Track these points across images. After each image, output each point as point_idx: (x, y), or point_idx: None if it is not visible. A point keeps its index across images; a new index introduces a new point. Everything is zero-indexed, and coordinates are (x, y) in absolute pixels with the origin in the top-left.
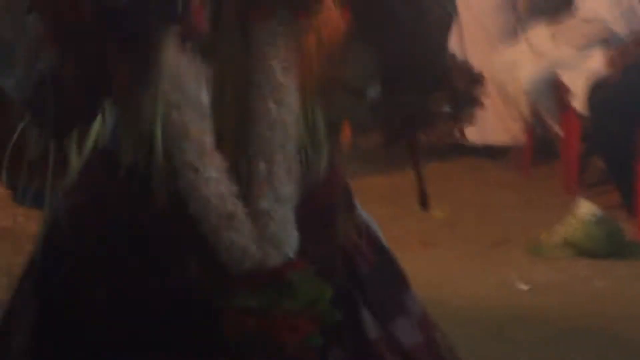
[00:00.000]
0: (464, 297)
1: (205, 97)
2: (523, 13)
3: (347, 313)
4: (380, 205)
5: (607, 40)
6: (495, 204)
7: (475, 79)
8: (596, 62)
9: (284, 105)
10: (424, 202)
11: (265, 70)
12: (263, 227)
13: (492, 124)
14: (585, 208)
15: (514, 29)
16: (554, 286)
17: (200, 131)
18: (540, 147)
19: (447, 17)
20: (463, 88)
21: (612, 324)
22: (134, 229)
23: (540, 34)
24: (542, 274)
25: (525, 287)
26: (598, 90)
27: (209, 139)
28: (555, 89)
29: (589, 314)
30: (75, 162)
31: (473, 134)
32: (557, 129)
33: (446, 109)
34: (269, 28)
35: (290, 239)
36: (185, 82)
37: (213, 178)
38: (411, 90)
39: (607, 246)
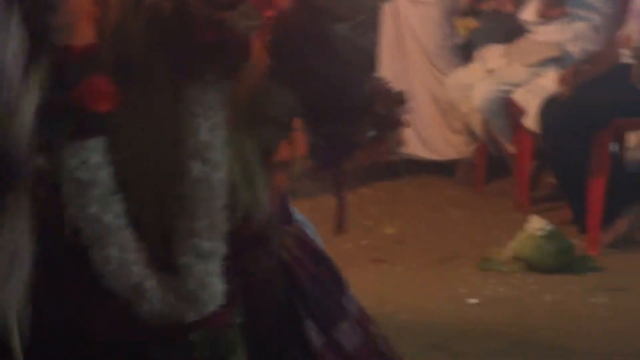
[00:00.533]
0: (414, 311)
1: (109, 178)
2: (474, 35)
3: (290, 325)
4: (331, 223)
5: (560, 59)
6: (446, 221)
7: (397, 101)
8: (549, 81)
9: (209, 163)
10: (340, 228)
11: (191, 128)
12: (181, 284)
13: (438, 140)
14: (536, 223)
15: (462, 49)
16: (504, 300)
17: (102, 210)
18: (491, 164)
19: (364, 54)
20: (385, 112)
21: (562, 338)
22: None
23: (492, 53)
24: (492, 288)
25: (475, 301)
26: (550, 108)
27: (112, 216)
28: (508, 108)
29: (539, 327)
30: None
31: (420, 150)
32: (509, 146)
33: (370, 133)
34: (197, 88)
35: (210, 295)
36: (87, 163)
37: (115, 255)
38: (334, 121)
39: (557, 261)
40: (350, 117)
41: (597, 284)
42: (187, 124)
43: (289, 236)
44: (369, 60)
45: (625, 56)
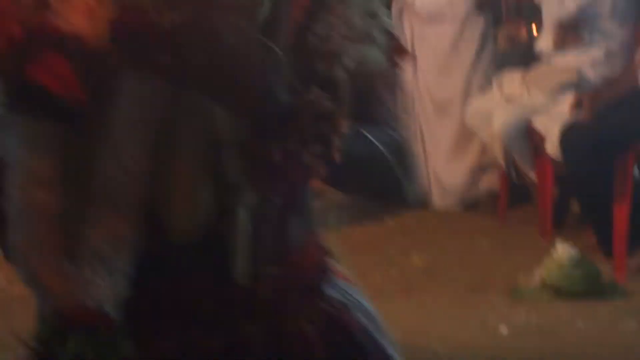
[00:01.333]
0: (447, 342)
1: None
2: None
3: None
4: (359, 255)
5: (578, 84)
6: (472, 251)
7: (324, 114)
8: (568, 107)
9: (121, 164)
10: None
11: (104, 126)
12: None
13: (465, 179)
14: (563, 250)
15: (483, 77)
16: (536, 329)
17: (23, 193)
18: (514, 192)
19: (269, 53)
20: (309, 125)
21: None
22: None
23: (511, 80)
24: (523, 317)
25: (506, 330)
26: (570, 134)
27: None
28: (529, 135)
29: (572, 355)
30: None
31: (445, 200)
32: (531, 174)
33: (294, 147)
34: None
35: (93, 293)
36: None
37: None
38: (252, 133)
39: (586, 287)
40: (266, 126)
41: (626, 310)
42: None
43: (309, 311)
44: (278, 61)
45: None
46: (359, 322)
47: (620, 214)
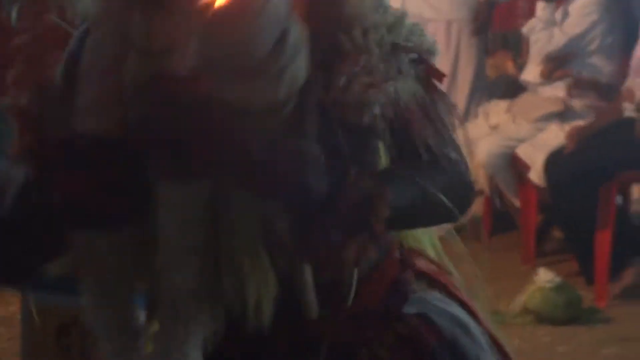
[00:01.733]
0: None
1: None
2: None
3: None
4: None
5: (563, 114)
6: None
7: (367, 199)
8: (552, 135)
9: (177, 264)
10: None
11: (154, 232)
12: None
13: None
14: (544, 276)
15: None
16: (517, 352)
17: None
18: (498, 219)
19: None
20: (349, 212)
21: None
22: None
23: (496, 108)
24: (504, 341)
25: None
26: (555, 162)
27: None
28: (513, 163)
29: None
30: None
31: None
32: (515, 201)
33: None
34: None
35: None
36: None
37: None
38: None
39: (567, 312)
40: (306, 221)
41: (606, 335)
42: None
43: (388, 333)
44: (309, 153)
45: (629, 110)
46: (441, 332)
47: (603, 242)
